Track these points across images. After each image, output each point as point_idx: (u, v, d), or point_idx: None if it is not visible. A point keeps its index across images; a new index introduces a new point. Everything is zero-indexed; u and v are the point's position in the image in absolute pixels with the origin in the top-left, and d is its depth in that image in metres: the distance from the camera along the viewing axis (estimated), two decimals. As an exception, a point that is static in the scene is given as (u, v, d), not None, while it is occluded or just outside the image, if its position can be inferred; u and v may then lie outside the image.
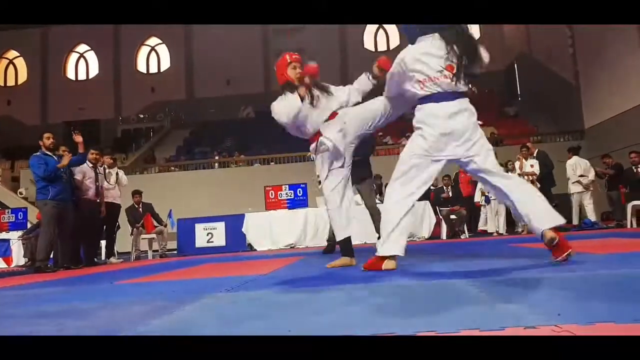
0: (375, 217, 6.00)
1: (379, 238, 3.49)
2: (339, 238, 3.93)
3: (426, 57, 3.10)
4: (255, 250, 9.95)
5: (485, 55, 3.22)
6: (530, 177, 9.34)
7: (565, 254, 2.87)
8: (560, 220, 2.99)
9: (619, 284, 2.14)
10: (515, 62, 23.35)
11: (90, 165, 7.65)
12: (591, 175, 9.85)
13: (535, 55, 20.67)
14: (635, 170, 9.28)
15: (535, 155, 9.63)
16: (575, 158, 9.93)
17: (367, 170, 6.29)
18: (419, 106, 3.18)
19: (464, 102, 3.16)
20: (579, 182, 9.74)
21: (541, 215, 2.99)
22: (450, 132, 3.07)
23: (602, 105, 14.89)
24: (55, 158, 6.73)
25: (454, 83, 3.06)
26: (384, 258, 3.18)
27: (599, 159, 11.12)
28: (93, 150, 7.77)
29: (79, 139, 7.05)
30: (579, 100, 16.40)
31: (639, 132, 12.62)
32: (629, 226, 8.75)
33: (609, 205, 10.96)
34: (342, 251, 3.99)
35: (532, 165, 9.41)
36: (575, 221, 9.65)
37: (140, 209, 10.00)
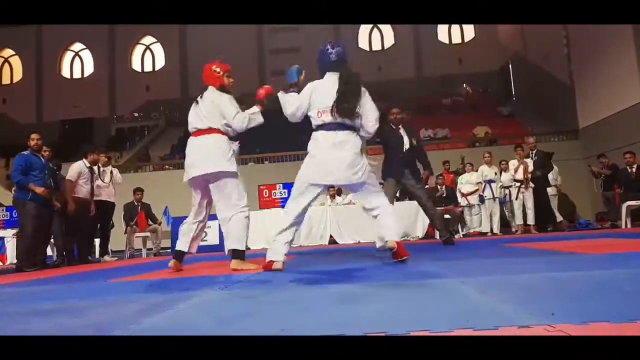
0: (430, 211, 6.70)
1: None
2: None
3: (327, 90, 3.65)
4: (249, 249, 9.94)
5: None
6: (526, 175, 9.30)
7: (404, 258, 3.64)
8: (398, 236, 3.83)
9: (612, 283, 2.15)
10: (510, 62, 23.42)
11: (88, 165, 7.65)
12: (559, 180, 10.47)
13: (530, 55, 20.71)
14: (630, 171, 9.29)
15: (535, 153, 9.52)
16: None
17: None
18: (314, 133, 3.72)
19: (350, 134, 3.68)
20: (555, 186, 10.12)
21: (393, 230, 3.76)
22: (335, 159, 3.62)
23: (597, 105, 14.93)
24: (42, 159, 6.72)
25: (339, 116, 3.61)
26: (272, 261, 3.67)
27: (594, 159, 11.17)
28: (96, 152, 7.84)
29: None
30: (573, 100, 16.45)
31: (633, 132, 12.66)
32: (623, 226, 8.78)
33: (604, 205, 11.01)
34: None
35: (527, 165, 9.41)
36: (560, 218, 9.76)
37: (139, 207, 10.01)
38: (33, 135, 6.70)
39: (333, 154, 3.60)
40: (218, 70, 4.28)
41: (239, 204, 4.02)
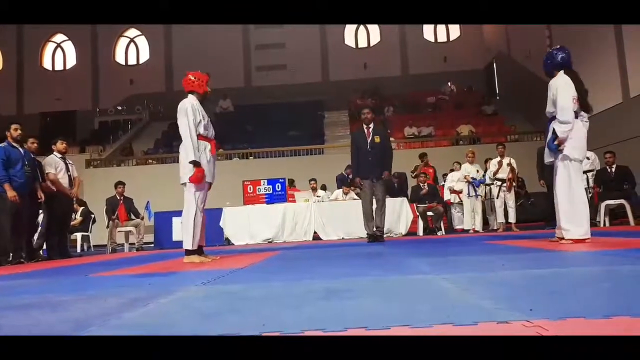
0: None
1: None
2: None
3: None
4: (233, 244, 9.92)
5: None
6: (512, 176, 9.37)
7: None
8: None
9: (589, 280, 2.19)
10: (494, 61, 23.59)
11: (59, 156, 7.46)
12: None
13: (514, 54, 20.90)
14: (609, 170, 9.44)
15: None
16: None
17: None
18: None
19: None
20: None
21: None
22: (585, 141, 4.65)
23: (579, 106, 15.05)
24: (21, 150, 6.55)
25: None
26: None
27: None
28: (62, 140, 7.52)
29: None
30: (555, 100, 16.57)
31: (614, 132, 12.80)
32: (601, 225, 8.91)
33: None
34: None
35: (508, 164, 9.49)
36: None
37: (121, 201, 9.93)
38: (14, 126, 6.53)
39: (584, 137, 4.59)
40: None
41: None
